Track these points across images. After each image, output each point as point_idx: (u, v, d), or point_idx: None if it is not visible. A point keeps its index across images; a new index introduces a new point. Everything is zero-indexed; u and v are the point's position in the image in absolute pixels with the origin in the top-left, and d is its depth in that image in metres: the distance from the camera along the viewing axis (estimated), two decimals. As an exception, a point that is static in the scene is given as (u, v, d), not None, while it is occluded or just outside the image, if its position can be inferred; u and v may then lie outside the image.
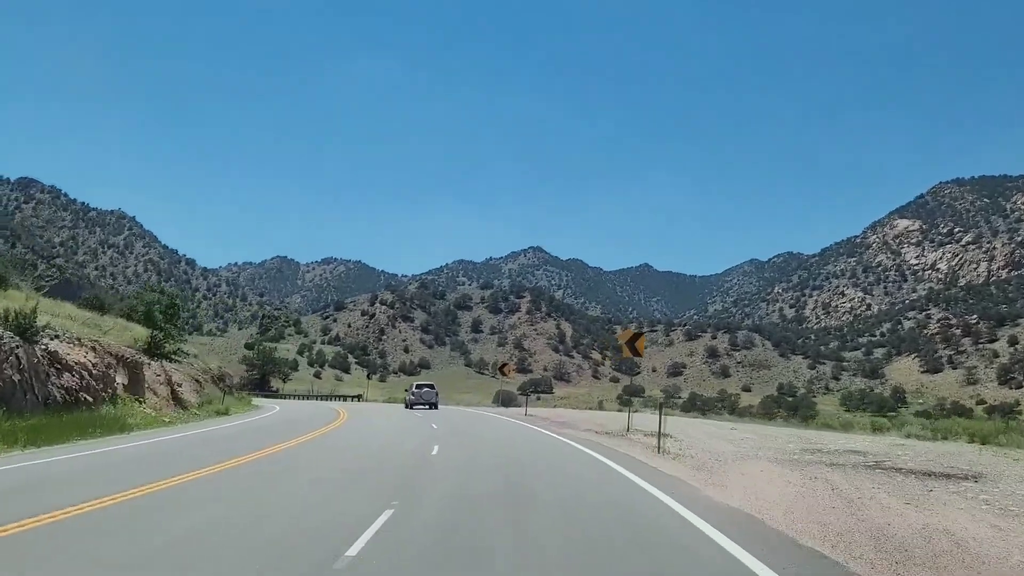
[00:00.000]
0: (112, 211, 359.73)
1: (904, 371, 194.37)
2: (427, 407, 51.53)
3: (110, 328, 26.39)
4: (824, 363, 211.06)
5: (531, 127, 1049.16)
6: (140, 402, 21.12)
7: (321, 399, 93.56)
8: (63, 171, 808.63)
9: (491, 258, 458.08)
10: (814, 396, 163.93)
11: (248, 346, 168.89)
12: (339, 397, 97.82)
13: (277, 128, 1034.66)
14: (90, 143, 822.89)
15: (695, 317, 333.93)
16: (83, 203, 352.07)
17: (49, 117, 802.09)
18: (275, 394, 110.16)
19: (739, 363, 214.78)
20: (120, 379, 20.82)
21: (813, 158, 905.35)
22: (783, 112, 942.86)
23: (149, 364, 24.76)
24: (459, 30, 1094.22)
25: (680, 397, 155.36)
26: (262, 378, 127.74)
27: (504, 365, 56.32)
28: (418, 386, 56.81)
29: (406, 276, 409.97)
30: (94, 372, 18.42)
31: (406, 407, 54.14)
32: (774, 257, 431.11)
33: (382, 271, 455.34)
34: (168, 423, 21.03)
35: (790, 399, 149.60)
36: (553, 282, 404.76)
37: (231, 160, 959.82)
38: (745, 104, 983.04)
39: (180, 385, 27.59)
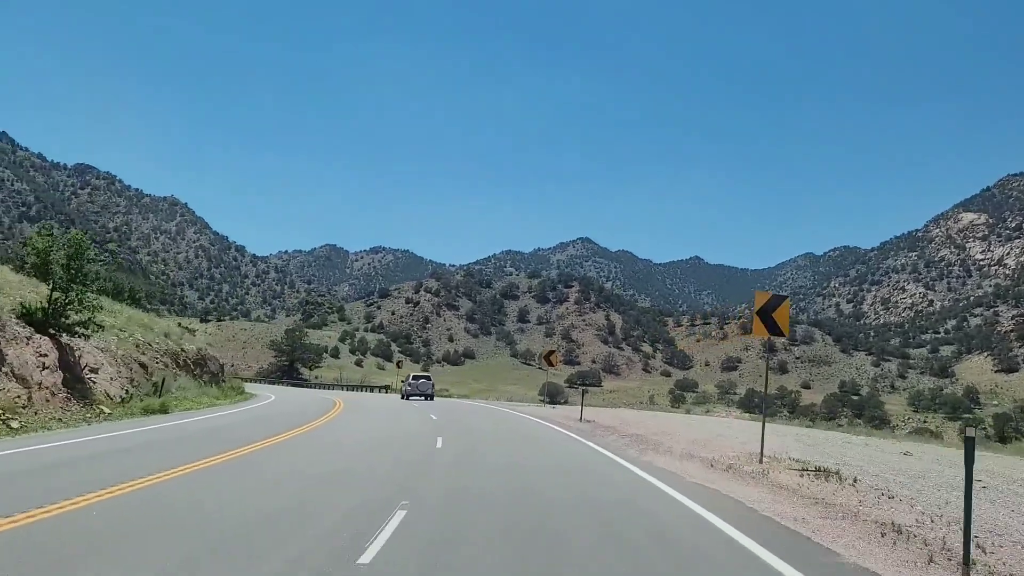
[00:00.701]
0: (165, 197, 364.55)
1: (976, 370, 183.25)
2: (423, 398, 53.34)
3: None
4: (889, 360, 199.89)
5: (581, 118, 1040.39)
6: (-23, 395, 14.23)
7: (349, 389, 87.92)
8: (119, 158, 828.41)
9: (539, 249, 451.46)
10: (879, 395, 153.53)
11: (289, 332, 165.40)
12: (367, 388, 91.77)
13: (329, 118, 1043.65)
14: (145, 130, 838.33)
15: (747, 311, 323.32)
16: (137, 189, 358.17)
17: (106, 105, 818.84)
18: (303, 382, 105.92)
19: (798, 359, 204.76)
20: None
21: (871, 150, 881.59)
22: (840, 103, 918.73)
23: (28, 339, 17.97)
24: (507, 17, 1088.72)
25: (736, 393, 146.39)
26: (290, 365, 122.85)
27: (551, 353, 49.15)
28: (415, 377, 58.20)
29: (453, 265, 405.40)
30: None
31: (402, 398, 55.28)
32: (830, 251, 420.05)
33: (430, 260, 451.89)
34: (14, 430, 13.57)
35: (855, 398, 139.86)
36: (602, 273, 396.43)
37: (283, 149, 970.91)
38: (801, 95, 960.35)
39: (96, 371, 20.63)
